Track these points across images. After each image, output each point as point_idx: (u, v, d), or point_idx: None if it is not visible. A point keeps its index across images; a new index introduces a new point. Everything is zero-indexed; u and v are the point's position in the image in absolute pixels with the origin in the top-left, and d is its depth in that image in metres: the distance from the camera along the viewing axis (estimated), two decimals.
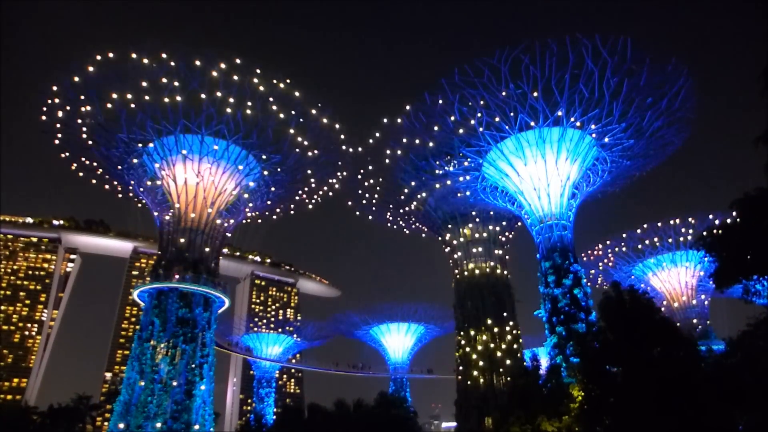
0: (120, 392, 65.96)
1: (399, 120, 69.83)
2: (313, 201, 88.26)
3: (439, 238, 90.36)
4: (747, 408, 28.17)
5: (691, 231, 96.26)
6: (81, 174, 78.46)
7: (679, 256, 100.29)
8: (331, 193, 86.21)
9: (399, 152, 74.08)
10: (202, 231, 71.39)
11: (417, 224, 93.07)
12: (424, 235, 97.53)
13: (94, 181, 79.95)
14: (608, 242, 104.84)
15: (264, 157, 72.59)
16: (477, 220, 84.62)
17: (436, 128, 68.66)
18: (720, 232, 26.98)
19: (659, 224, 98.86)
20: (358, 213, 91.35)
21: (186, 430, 61.80)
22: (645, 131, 65.23)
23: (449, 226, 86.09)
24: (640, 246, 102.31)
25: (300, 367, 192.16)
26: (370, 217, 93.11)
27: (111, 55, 62.36)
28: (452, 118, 66.04)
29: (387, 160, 76.34)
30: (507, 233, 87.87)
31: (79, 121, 68.17)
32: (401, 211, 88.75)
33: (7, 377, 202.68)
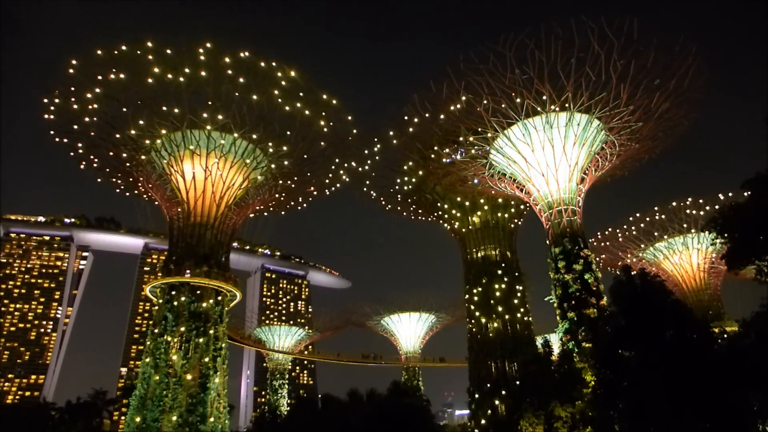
0: (135, 387, 66.72)
1: (405, 109, 69.57)
2: (321, 193, 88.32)
3: (448, 227, 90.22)
4: (762, 389, 28.01)
5: (701, 213, 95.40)
6: (90, 172, 79.08)
7: (691, 238, 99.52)
8: (338, 184, 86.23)
9: (406, 141, 73.80)
10: (212, 225, 71.71)
11: (426, 213, 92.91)
12: (433, 223, 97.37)
13: (103, 179, 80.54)
14: (618, 226, 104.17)
15: (271, 150, 72.64)
16: (485, 207, 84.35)
17: (442, 116, 68.33)
18: (732, 213, 26.73)
19: (669, 207, 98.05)
20: (366, 203, 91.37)
21: (201, 423, 62.48)
22: (653, 113, 64.42)
23: (458, 214, 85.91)
24: (650, 229, 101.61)
25: (313, 358, 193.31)
26: (379, 208, 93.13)
27: (116, 51, 62.45)
28: (458, 105, 65.65)
29: (394, 150, 76.14)
30: (516, 220, 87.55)
31: (86, 119, 68.50)
32: (410, 200, 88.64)
33: (24, 374, 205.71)
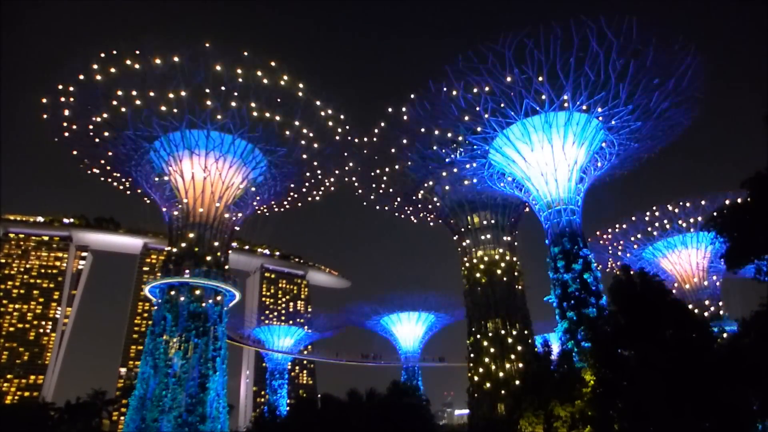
0: (135, 387, 66.68)
1: (404, 109, 69.49)
2: (321, 192, 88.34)
3: (447, 227, 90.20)
4: (761, 388, 28.03)
5: (701, 212, 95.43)
6: (89, 172, 79.05)
7: (690, 237, 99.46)
8: (338, 185, 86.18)
9: (405, 141, 73.78)
10: (211, 225, 71.64)
11: (425, 213, 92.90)
12: (432, 223, 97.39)
13: (102, 179, 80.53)
14: (617, 226, 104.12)
15: (270, 150, 72.60)
16: (485, 207, 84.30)
17: (441, 116, 68.31)
18: (731, 212, 26.74)
19: (669, 206, 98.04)
20: (365, 203, 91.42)
21: (200, 423, 62.43)
22: (652, 112, 64.49)
23: (457, 213, 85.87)
24: (649, 229, 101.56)
25: (312, 358, 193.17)
26: (378, 207, 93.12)
27: (115, 52, 62.48)
28: (457, 105, 65.65)
29: (393, 150, 76.09)
30: (515, 219, 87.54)
31: (86, 119, 68.47)
32: (409, 200, 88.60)
33: (23, 374, 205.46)
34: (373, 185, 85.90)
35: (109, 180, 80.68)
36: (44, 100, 67.74)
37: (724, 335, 39.26)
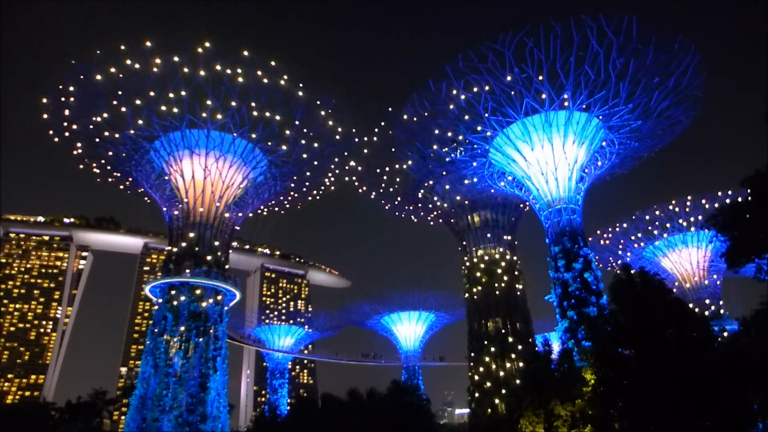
0: (135, 386, 66.70)
1: (404, 108, 69.50)
2: (321, 192, 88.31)
3: (448, 226, 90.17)
4: (762, 387, 28.03)
5: (701, 211, 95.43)
6: (90, 172, 79.00)
7: (690, 236, 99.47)
8: (338, 184, 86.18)
9: (405, 141, 73.77)
10: (211, 225, 71.63)
11: (425, 213, 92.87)
12: (432, 223, 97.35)
13: (102, 179, 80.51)
14: (618, 225, 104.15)
15: (270, 149, 72.60)
16: (485, 206, 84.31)
17: (441, 116, 68.30)
18: (731, 210, 26.75)
19: (669, 205, 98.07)
20: (365, 203, 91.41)
21: (201, 423, 62.43)
22: (652, 111, 64.50)
23: (457, 213, 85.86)
24: (650, 228, 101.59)
25: (312, 357, 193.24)
26: (378, 207, 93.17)
27: (115, 51, 62.38)
28: (457, 104, 65.62)
29: (393, 149, 76.09)
30: (515, 218, 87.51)
31: (86, 119, 68.45)
32: (409, 199, 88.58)
33: (24, 374, 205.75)
34: (374, 185, 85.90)
35: (110, 180, 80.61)
36: (44, 100, 67.71)
37: (725, 334, 39.25)
